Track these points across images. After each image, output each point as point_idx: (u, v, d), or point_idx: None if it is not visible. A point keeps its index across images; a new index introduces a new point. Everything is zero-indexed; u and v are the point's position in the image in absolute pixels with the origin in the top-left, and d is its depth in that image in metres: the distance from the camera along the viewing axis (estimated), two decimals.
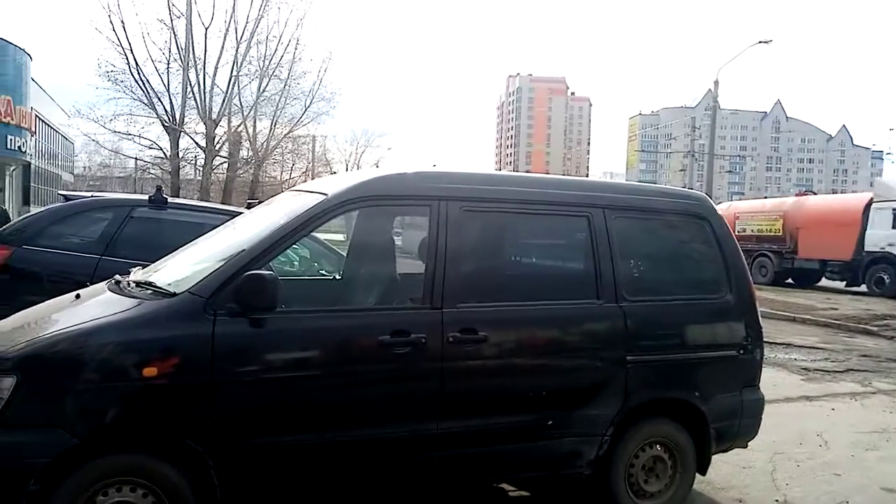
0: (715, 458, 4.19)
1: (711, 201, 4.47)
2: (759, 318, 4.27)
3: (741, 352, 4.16)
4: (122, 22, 23.25)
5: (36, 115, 35.07)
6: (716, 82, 28.51)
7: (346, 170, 48.00)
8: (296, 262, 6.54)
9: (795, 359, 9.38)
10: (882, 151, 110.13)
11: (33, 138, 34.66)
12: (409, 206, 3.90)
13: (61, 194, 6.82)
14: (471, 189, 3.69)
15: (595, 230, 3.85)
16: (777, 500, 4.40)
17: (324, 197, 3.42)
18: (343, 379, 3.28)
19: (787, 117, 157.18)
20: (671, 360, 3.96)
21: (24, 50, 31.77)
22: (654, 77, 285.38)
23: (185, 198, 21.80)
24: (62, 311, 3.36)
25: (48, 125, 41.67)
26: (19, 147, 31.50)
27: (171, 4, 23.83)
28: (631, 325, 3.79)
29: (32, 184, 38.93)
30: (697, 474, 4.11)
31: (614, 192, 4.15)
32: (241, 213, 6.02)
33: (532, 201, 3.84)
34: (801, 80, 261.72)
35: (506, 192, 3.81)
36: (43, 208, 6.73)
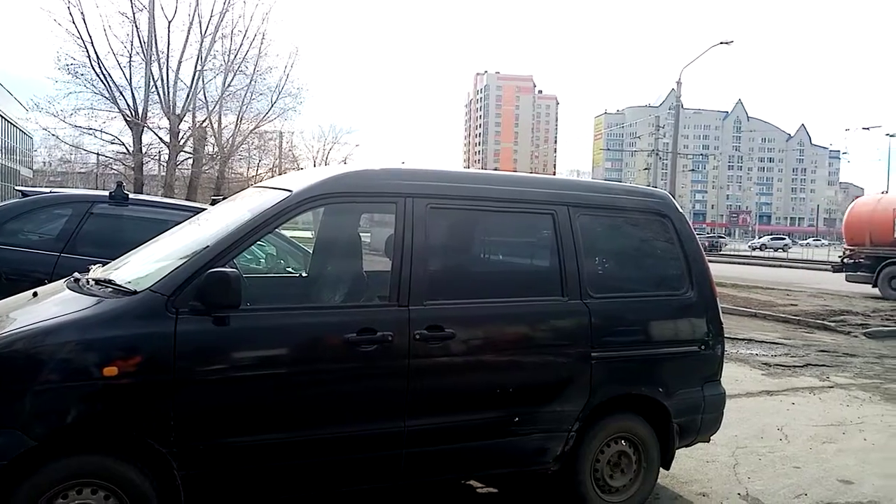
0: (679, 452, 4.26)
1: (673, 199, 4.54)
2: (721, 314, 4.35)
3: (703, 347, 4.23)
4: (81, 14, 22.63)
5: None
6: (678, 82, 28.93)
7: (314, 166, 47.65)
8: (262, 260, 6.47)
9: (756, 354, 9.58)
10: (839, 151, 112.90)
11: None
12: (374, 203, 3.88)
13: (18, 190, 6.62)
14: (437, 186, 3.69)
15: (560, 228, 3.88)
16: (739, 494, 4.49)
17: (288, 193, 3.38)
18: (309, 377, 3.25)
19: (748, 117, 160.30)
20: (635, 356, 4.01)
21: None
22: (619, 76, 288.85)
23: (148, 194, 21.41)
24: (19, 309, 3.27)
25: (5, 119, 40.55)
26: None
27: None
28: (595, 322, 3.83)
29: None
30: (662, 469, 4.18)
31: (579, 189, 4.19)
32: (204, 209, 5.94)
33: (498, 199, 3.85)
34: (761, 80, 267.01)
35: (472, 189, 3.82)
36: None
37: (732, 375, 7.31)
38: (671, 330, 4.21)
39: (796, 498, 4.46)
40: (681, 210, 4.44)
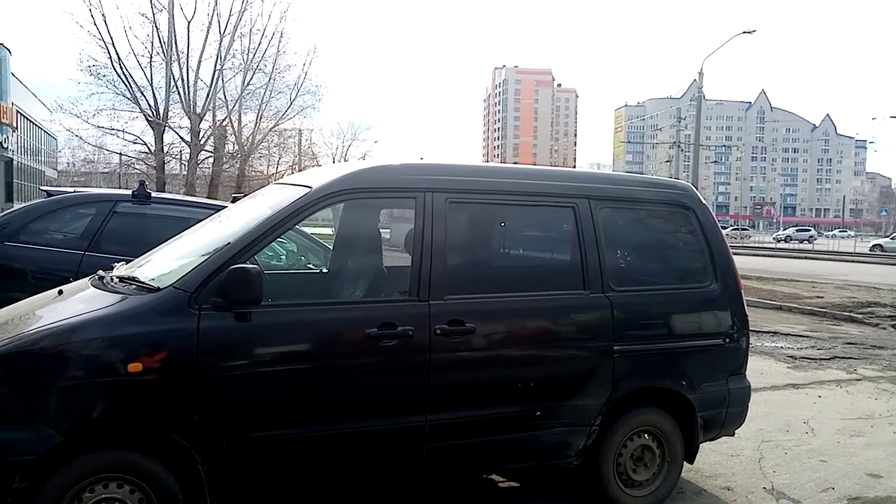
0: (703, 446, 4.22)
1: (696, 191, 4.48)
2: (745, 306, 4.30)
3: (727, 340, 4.18)
4: (103, 16, 22.96)
5: (17, 111, 34.69)
6: (700, 73, 28.57)
7: (333, 163, 47.78)
8: (283, 257, 6.50)
9: (782, 347, 9.46)
10: (865, 140, 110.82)
11: (15, 134, 34.29)
12: (394, 199, 3.87)
13: (43, 190, 6.72)
14: (456, 181, 3.68)
15: (581, 221, 3.85)
16: (765, 488, 4.44)
17: (308, 190, 3.39)
18: (330, 373, 3.26)
19: (771, 107, 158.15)
20: (658, 350, 3.97)
21: (3, 45, 31.40)
22: (640, 68, 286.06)
23: (170, 193, 21.64)
24: (45, 307, 3.32)
25: (30, 121, 41.24)
26: (1, 143, 31.17)
27: None
28: (618, 315, 3.80)
29: (15, 180, 38.56)
30: (686, 463, 4.14)
31: (600, 182, 4.16)
32: (225, 207, 5.98)
33: (518, 192, 3.83)
34: (785, 69, 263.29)
35: (491, 183, 3.81)
36: (24, 204, 6.64)
37: (757, 368, 7.22)
38: (695, 323, 4.17)
39: (823, 492, 4.39)
40: (704, 202, 4.39)
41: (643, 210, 4.21)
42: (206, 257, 3.15)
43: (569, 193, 3.90)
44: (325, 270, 5.07)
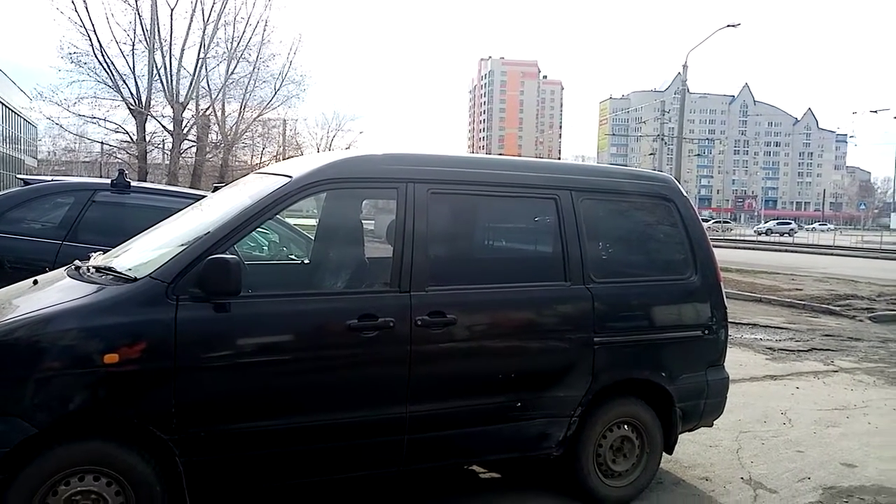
0: (682, 437, 4.26)
1: (678, 183, 4.50)
2: (724, 298, 4.33)
3: (706, 332, 4.21)
4: (84, 2, 22.57)
5: None
6: (685, 66, 28.65)
7: (316, 153, 47.40)
8: (265, 247, 6.46)
9: (761, 339, 9.56)
10: (846, 135, 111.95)
11: None
12: (375, 189, 3.85)
13: (20, 178, 6.61)
14: (438, 171, 3.67)
15: (563, 212, 3.86)
16: (742, 478, 4.49)
17: (288, 179, 3.36)
18: (310, 364, 3.25)
19: (754, 101, 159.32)
20: (638, 341, 4.00)
21: None
22: (625, 61, 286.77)
23: (152, 182, 21.42)
24: (20, 297, 3.27)
25: (9, 108, 40.57)
26: None
27: None
28: (598, 307, 3.81)
29: None
30: (664, 453, 4.17)
31: (582, 174, 4.16)
32: (205, 196, 5.92)
33: (500, 183, 3.82)
34: (768, 64, 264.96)
35: (473, 174, 3.80)
36: (1, 192, 6.54)
37: (736, 360, 7.30)
38: (675, 315, 4.19)
39: (799, 482, 4.45)
40: (685, 194, 4.41)
41: (625, 202, 4.22)
42: (184, 247, 3.11)
43: (551, 185, 3.90)
44: (306, 261, 5.04)
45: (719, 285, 4.32)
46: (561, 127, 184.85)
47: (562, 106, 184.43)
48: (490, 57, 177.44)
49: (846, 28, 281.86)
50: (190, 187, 22.26)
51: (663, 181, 4.40)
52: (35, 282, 3.42)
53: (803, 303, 12.92)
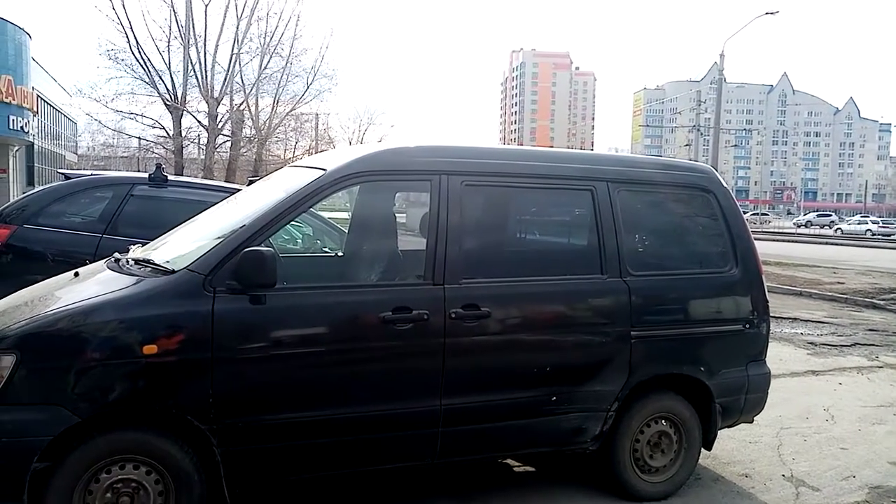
0: (720, 432, 4.18)
1: (717, 174, 4.40)
2: (766, 292, 4.22)
3: (747, 326, 4.12)
4: (121, 0, 23.01)
5: (37, 95, 34.92)
6: (721, 55, 28.12)
7: (348, 147, 47.63)
8: (299, 240, 6.51)
9: (801, 333, 9.34)
10: (889, 124, 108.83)
11: (35, 118, 34.55)
12: (409, 181, 3.84)
13: (61, 173, 6.77)
14: (472, 163, 3.64)
15: (599, 204, 3.80)
16: (783, 475, 4.38)
17: (322, 172, 3.36)
18: (344, 356, 3.25)
19: (793, 90, 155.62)
20: (676, 335, 3.92)
21: (23, 29, 31.53)
22: (659, 51, 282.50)
23: (188, 176, 21.75)
24: (61, 289, 3.33)
25: (50, 105, 41.52)
26: (21, 127, 31.38)
27: None
28: (635, 300, 3.75)
29: (36, 164, 38.93)
30: (703, 449, 4.10)
31: (618, 164, 4.09)
32: (240, 190, 5.97)
33: (534, 175, 3.78)
34: (807, 52, 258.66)
35: (507, 165, 3.75)
36: (43, 187, 6.69)
37: (776, 355, 7.14)
38: (714, 308, 4.10)
39: (844, 480, 4.33)
40: (725, 185, 4.30)
41: (662, 193, 4.14)
42: (220, 240, 3.13)
43: (587, 176, 3.84)
44: (340, 254, 5.06)
45: (761, 278, 4.21)
46: (594, 118, 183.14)
47: (594, 97, 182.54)
48: (521, 49, 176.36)
49: (889, 14, 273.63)
50: (225, 181, 22.56)
51: (703, 172, 4.31)
52: (76, 274, 3.49)
53: (845, 296, 12.61)
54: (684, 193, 4.19)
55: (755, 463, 4.57)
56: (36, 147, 37.84)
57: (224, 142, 27.09)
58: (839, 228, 52.98)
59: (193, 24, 24.33)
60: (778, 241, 32.98)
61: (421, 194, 3.70)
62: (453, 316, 3.34)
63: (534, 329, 3.62)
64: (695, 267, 4.15)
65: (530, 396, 3.56)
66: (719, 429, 4.11)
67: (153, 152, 28.96)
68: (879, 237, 45.22)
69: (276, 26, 25.89)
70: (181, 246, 3.44)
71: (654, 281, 3.91)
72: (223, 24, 24.92)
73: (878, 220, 60.61)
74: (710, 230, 4.21)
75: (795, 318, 10.40)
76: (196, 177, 24.08)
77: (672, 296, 3.96)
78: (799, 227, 56.49)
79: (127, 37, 23.35)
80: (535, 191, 3.86)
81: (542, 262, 3.91)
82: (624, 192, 3.89)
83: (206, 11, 24.58)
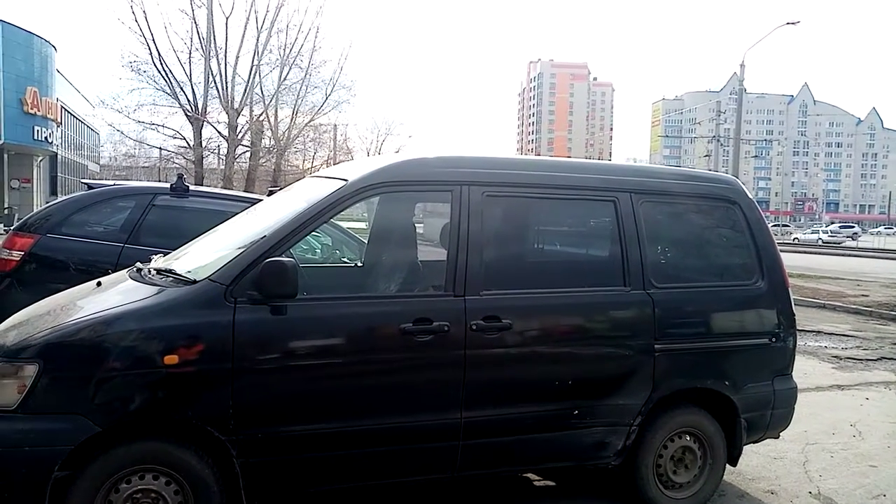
0: (745, 448, 4.08)
1: (742, 185, 4.33)
2: (793, 305, 4.14)
3: (773, 340, 4.04)
4: (143, 12, 23.31)
5: (62, 106, 35.49)
6: (742, 65, 27.94)
7: (368, 157, 47.92)
8: (318, 250, 6.51)
9: (826, 346, 9.19)
10: None
11: (59, 129, 35.09)
12: (430, 192, 3.82)
13: (84, 183, 6.83)
14: (493, 174, 3.61)
15: (622, 215, 3.75)
16: (810, 493, 4.28)
17: (344, 183, 3.35)
18: (364, 367, 3.23)
19: (814, 101, 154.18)
20: (700, 349, 3.86)
21: (48, 41, 32.13)
22: (677, 61, 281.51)
23: (209, 186, 21.94)
24: (84, 298, 3.35)
25: (74, 116, 42.20)
26: (46, 138, 31.94)
27: None
28: (659, 313, 3.69)
29: (59, 174, 39.54)
30: (728, 465, 4.02)
31: (641, 175, 4.04)
32: (261, 200, 5.99)
33: (556, 186, 3.75)
34: (829, 62, 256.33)
35: (529, 176, 3.72)
36: (66, 196, 6.75)
37: (801, 369, 6.93)
38: (739, 321, 4.03)
39: (874, 499, 4.23)
40: (750, 196, 4.24)
41: (686, 204, 4.08)
42: (242, 250, 3.13)
43: (609, 187, 3.80)
44: (359, 264, 5.04)
45: (787, 291, 4.14)
46: (612, 129, 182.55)
47: (612, 108, 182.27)
48: (539, 59, 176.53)
49: None
50: (244, 191, 22.71)
51: (727, 183, 4.25)
52: (98, 283, 3.50)
53: (870, 309, 12.39)
54: (709, 205, 4.13)
55: (781, 479, 4.47)
56: (59, 157, 38.44)
57: (243, 152, 27.32)
58: (796, 238, 54.02)
59: (214, 36, 24.61)
60: (800, 252, 32.57)
61: (438, 205, 3.67)
62: (474, 328, 3.31)
63: (555, 341, 3.58)
64: (719, 279, 4.09)
65: (552, 410, 3.51)
66: (744, 444, 4.02)
67: (174, 162, 29.28)
68: (832, 245, 46.40)
69: (296, 38, 26.12)
70: (203, 256, 3.45)
71: (678, 293, 3.85)
72: (243, 36, 25.19)
73: (832, 225, 62.83)
74: (735, 242, 4.15)
75: (819, 332, 10.23)
76: (216, 187, 24.30)
77: (696, 309, 3.89)
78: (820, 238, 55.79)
79: (149, 48, 23.67)
80: (557, 202, 3.82)
81: (563, 273, 3.87)
82: (647, 203, 3.84)
83: (226, 24, 24.87)
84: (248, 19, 25.15)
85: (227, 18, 24.80)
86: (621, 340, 3.67)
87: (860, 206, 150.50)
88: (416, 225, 4.13)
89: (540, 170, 3.84)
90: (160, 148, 29.62)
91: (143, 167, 35.12)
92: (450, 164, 3.60)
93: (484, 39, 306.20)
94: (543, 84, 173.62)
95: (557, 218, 4.08)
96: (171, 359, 2.86)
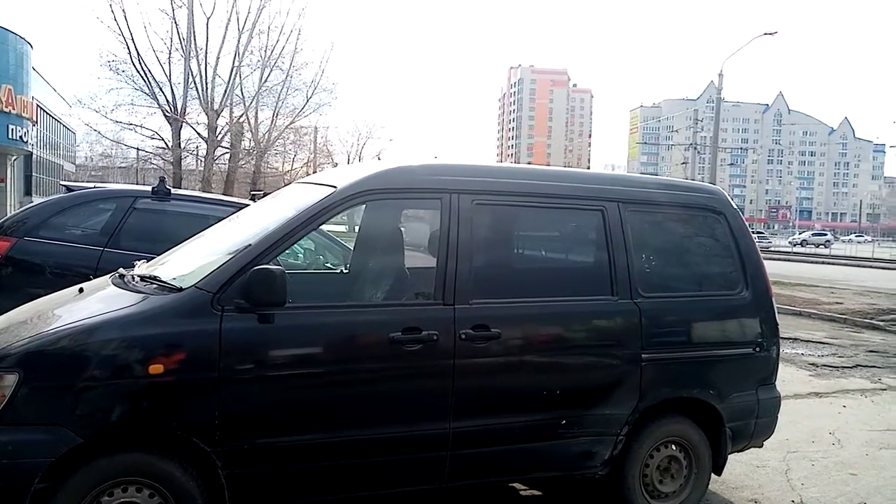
0: (728, 456, 4.11)
1: (727, 195, 4.37)
2: (776, 314, 4.18)
3: (757, 349, 4.07)
4: (123, 11, 23.13)
5: (37, 105, 34.91)
6: (720, 74, 28.22)
7: (348, 161, 47.88)
8: (300, 255, 6.45)
9: (802, 354, 9.31)
10: (884, 144, 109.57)
11: (35, 128, 34.51)
12: (419, 199, 3.79)
13: (63, 185, 6.72)
14: (483, 182, 3.60)
15: (610, 224, 3.76)
16: (793, 501, 4.33)
17: (333, 190, 3.32)
18: (353, 376, 3.19)
19: (788, 110, 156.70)
20: (686, 358, 3.87)
21: (24, 38, 31.60)
22: (656, 69, 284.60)
23: (186, 188, 21.71)
24: (66, 305, 3.27)
25: (49, 115, 41.52)
26: (20, 137, 31.37)
27: None
28: (646, 322, 3.70)
29: (34, 173, 38.87)
30: (713, 474, 4.04)
31: (629, 185, 4.05)
32: (244, 204, 5.93)
33: (545, 195, 3.75)
34: (803, 72, 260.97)
35: (519, 185, 3.72)
36: (44, 199, 6.63)
37: (779, 376, 7.01)
38: (725, 331, 4.06)
39: None
40: (735, 206, 4.28)
41: (673, 214, 4.11)
42: (229, 257, 3.08)
43: (598, 196, 3.81)
44: (345, 270, 5.00)
45: (771, 301, 4.17)
46: (591, 135, 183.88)
47: (591, 114, 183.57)
48: (520, 65, 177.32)
49: (884, 36, 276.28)
50: (224, 193, 22.55)
51: (713, 193, 4.28)
52: (81, 290, 3.42)
53: (844, 317, 12.59)
54: (694, 214, 4.16)
55: (764, 488, 4.51)
56: (34, 156, 37.79)
57: (223, 154, 27.12)
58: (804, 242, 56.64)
59: (195, 37, 24.47)
60: (774, 260, 33.00)
61: (420, 211, 3.63)
62: (463, 337, 3.29)
63: (544, 351, 3.57)
64: (705, 289, 4.11)
65: (540, 419, 3.50)
66: (729, 453, 4.05)
67: (151, 163, 29.00)
68: (813, 245, 49.49)
69: (277, 40, 26.07)
70: (188, 263, 3.38)
71: (665, 303, 3.87)
72: (224, 37, 25.06)
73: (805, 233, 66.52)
74: (721, 252, 4.18)
75: (796, 339, 10.37)
76: (194, 188, 24.05)
77: (682, 318, 3.91)
78: (794, 246, 56.65)
79: (128, 48, 23.46)
80: (546, 210, 3.82)
81: (552, 282, 3.86)
82: (634, 213, 3.86)
83: (207, 24, 24.73)
84: (229, 20, 25.06)
85: (207, 19, 24.68)
86: (609, 350, 3.68)
87: (832, 213, 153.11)
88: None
89: (529, 178, 3.84)
90: (137, 148, 29.30)
91: (120, 168, 34.73)
92: (439, 172, 3.58)
93: (465, 45, 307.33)
94: (524, 90, 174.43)
95: (545, 227, 4.08)
96: (155, 368, 2.80)
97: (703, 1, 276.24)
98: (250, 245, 3.10)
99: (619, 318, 3.69)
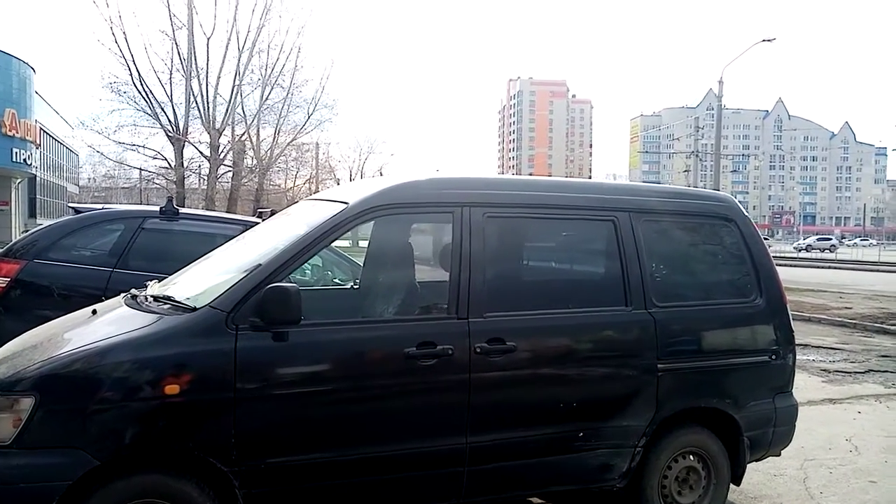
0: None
1: (737, 202, 4.35)
2: (791, 321, 4.16)
3: (773, 357, 4.05)
4: (124, 33, 23.25)
5: (40, 128, 35.13)
6: (720, 82, 28.27)
7: (350, 177, 48.05)
8: (308, 271, 6.43)
9: (814, 360, 9.25)
10: (886, 148, 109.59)
11: (38, 150, 34.71)
12: (431, 214, 3.78)
13: (71, 207, 6.73)
14: (494, 194, 3.60)
15: (622, 235, 3.75)
16: None
17: (345, 206, 3.31)
18: (369, 392, 3.17)
19: (789, 115, 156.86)
20: (703, 368, 3.85)
21: (27, 63, 31.85)
22: (655, 78, 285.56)
23: (190, 207, 21.76)
24: (80, 327, 3.26)
25: (52, 137, 41.76)
26: (24, 160, 31.56)
27: (172, 15, 23.82)
28: (661, 332, 3.68)
29: (38, 196, 39.05)
30: (731, 484, 3.99)
31: (640, 195, 4.05)
32: (252, 222, 5.93)
33: (556, 206, 3.74)
34: (803, 77, 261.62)
35: (529, 196, 3.72)
36: (53, 221, 6.64)
37: None
38: (740, 339, 4.04)
39: None
40: (746, 214, 4.26)
41: (685, 223, 4.10)
42: (243, 276, 3.07)
43: (609, 206, 3.80)
44: (355, 286, 4.99)
45: (785, 307, 4.15)
46: (591, 145, 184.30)
47: (592, 124, 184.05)
48: (519, 77, 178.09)
49: (885, 40, 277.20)
50: (227, 211, 22.61)
51: (723, 201, 4.27)
52: (94, 311, 3.41)
53: (854, 322, 12.53)
54: (706, 223, 4.15)
55: (783, 498, 4.46)
56: (38, 179, 37.97)
57: (225, 172, 27.19)
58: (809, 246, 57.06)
59: (195, 57, 24.59)
60: (779, 265, 32.87)
61: (428, 224, 3.60)
62: (478, 350, 3.27)
63: (560, 363, 3.55)
64: (719, 297, 4.09)
65: (557, 432, 3.47)
66: (748, 463, 4.01)
67: (154, 183, 29.10)
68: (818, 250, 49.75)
69: (278, 58, 26.20)
70: (201, 282, 3.38)
71: (680, 312, 3.84)
72: (225, 57, 25.19)
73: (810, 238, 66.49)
74: (733, 260, 4.16)
75: (807, 345, 10.30)
76: (198, 207, 24.12)
77: (698, 327, 3.89)
78: (799, 251, 56.47)
79: (129, 69, 23.58)
80: (557, 222, 3.81)
81: (566, 294, 3.84)
82: (646, 223, 3.85)
83: (207, 44, 24.87)
84: (229, 40, 25.19)
85: (207, 39, 24.82)
86: (625, 361, 3.66)
87: (836, 218, 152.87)
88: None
89: (540, 190, 3.84)
90: (140, 169, 29.41)
91: (124, 188, 34.81)
92: (450, 186, 3.58)
93: (464, 58, 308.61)
94: (523, 101, 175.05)
95: (557, 238, 4.06)
96: (171, 388, 2.79)
97: (700, 9, 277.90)
98: (263, 263, 3.09)
99: (634, 328, 3.67)
